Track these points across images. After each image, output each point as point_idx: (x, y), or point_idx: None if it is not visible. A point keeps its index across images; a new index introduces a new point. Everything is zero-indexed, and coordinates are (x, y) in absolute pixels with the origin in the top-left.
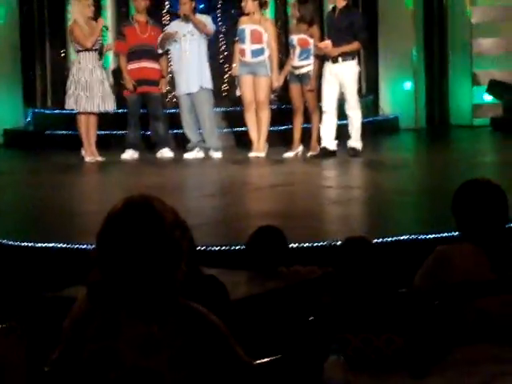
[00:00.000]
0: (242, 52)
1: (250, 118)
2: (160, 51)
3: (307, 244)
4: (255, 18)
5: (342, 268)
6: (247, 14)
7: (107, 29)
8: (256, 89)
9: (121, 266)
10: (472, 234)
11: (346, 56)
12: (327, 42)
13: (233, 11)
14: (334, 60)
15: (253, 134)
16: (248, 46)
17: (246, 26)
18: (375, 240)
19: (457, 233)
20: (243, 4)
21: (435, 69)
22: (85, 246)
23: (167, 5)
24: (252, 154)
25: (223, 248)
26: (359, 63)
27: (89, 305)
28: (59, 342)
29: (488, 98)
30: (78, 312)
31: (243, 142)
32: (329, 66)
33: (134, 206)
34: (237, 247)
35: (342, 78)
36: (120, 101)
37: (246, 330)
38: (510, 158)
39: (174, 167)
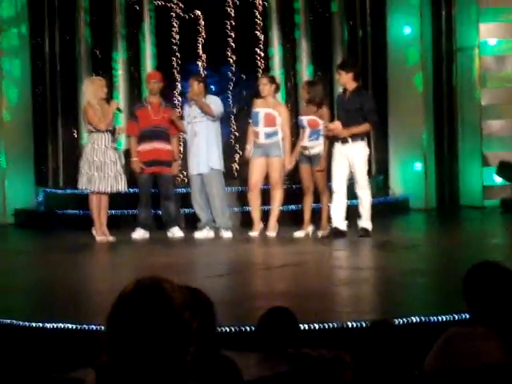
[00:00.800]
0: (256, 134)
1: (252, 198)
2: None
3: (318, 325)
4: (269, 101)
5: (365, 351)
6: (260, 97)
7: (120, 111)
8: (270, 169)
9: (129, 349)
10: (484, 317)
11: (355, 137)
12: (337, 123)
13: (244, 93)
14: (344, 141)
15: (254, 214)
16: (261, 129)
17: (260, 109)
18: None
19: (468, 315)
20: (260, 88)
21: (445, 149)
22: (94, 327)
23: (180, 86)
24: (252, 234)
25: (233, 329)
26: (369, 144)
27: None
28: None
29: (498, 179)
30: None
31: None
32: (338, 147)
33: (143, 289)
34: (247, 328)
35: (352, 158)
36: (131, 180)
37: None
38: None
39: (185, 247)
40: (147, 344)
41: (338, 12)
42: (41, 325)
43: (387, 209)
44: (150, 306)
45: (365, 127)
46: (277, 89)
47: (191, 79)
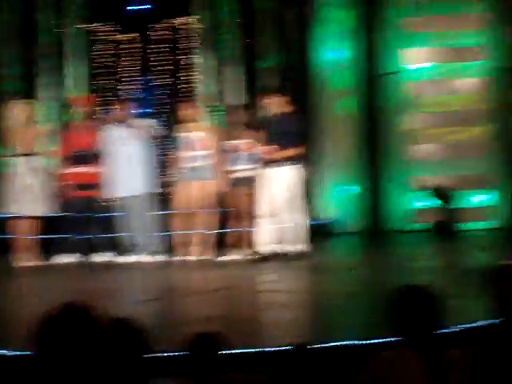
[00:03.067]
0: (186, 158)
1: (179, 222)
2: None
3: (245, 350)
4: (198, 125)
5: (284, 376)
6: (189, 121)
7: (49, 134)
8: (201, 193)
9: (54, 374)
10: (409, 340)
11: (290, 160)
12: (271, 147)
13: (171, 116)
14: (278, 164)
15: (180, 238)
16: (191, 152)
17: (190, 133)
18: (315, 345)
19: (395, 338)
20: (189, 111)
21: (373, 174)
22: (15, 352)
23: (109, 109)
24: (177, 258)
25: (159, 355)
26: (304, 167)
27: None
28: None
29: (427, 203)
30: None
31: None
32: (272, 170)
33: (70, 313)
34: (173, 354)
35: (287, 181)
36: (59, 204)
37: None
38: (447, 261)
39: (113, 271)
40: (74, 366)
41: (265, 37)
42: None
43: (316, 231)
44: (74, 330)
45: (299, 149)
46: (206, 113)
47: (117, 104)
